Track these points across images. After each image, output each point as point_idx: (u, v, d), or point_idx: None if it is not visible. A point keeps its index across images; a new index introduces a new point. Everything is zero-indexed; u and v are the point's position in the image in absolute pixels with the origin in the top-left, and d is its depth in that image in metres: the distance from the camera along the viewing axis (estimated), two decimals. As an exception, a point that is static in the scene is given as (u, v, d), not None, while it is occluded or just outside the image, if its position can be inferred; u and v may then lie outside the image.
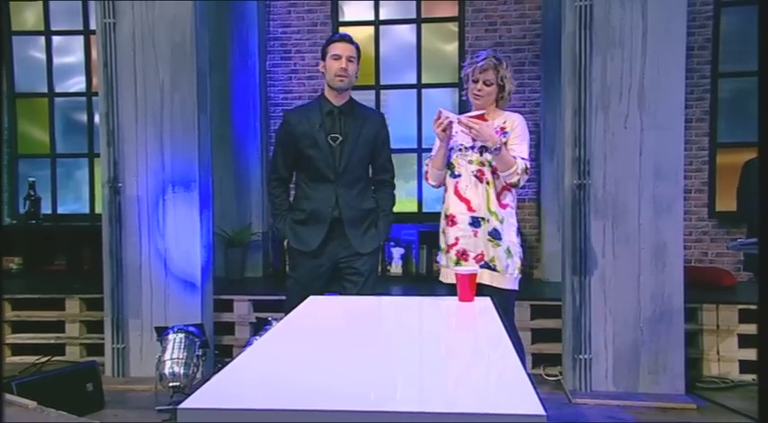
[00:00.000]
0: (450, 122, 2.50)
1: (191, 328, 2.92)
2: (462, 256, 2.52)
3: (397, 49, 5.37)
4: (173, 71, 3.59)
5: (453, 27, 5.27)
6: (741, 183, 3.75)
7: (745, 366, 3.61)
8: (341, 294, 2.77)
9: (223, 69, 5.00)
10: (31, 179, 5.22)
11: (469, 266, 2.43)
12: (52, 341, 4.07)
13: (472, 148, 2.54)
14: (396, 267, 5.10)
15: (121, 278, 3.62)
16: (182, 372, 2.76)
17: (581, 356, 3.32)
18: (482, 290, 2.33)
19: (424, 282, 4.80)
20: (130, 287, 3.62)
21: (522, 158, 2.49)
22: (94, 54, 4.25)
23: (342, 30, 5.10)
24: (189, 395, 1.06)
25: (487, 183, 2.51)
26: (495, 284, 2.47)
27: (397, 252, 5.09)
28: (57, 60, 5.52)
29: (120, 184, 3.60)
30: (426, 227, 4.87)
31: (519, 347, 2.55)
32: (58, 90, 5.52)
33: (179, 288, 3.61)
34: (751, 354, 3.55)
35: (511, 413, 0.98)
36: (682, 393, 3.24)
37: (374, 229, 2.80)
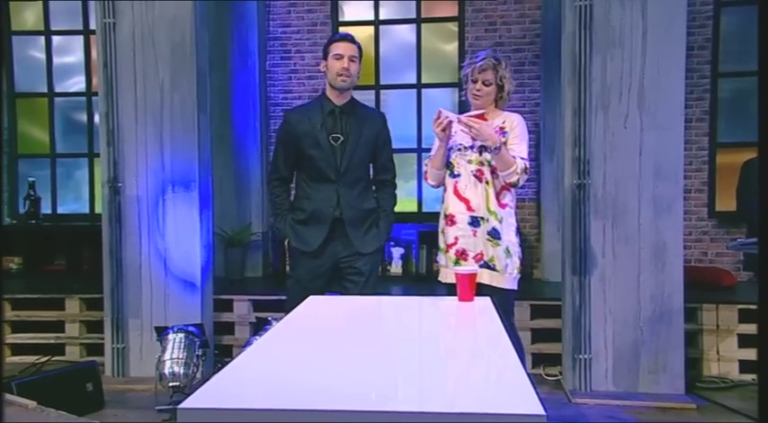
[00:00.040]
0: (450, 122, 2.50)
1: (191, 328, 2.92)
2: (462, 255, 2.52)
3: (397, 49, 5.37)
4: (172, 71, 3.59)
5: (453, 27, 5.27)
6: (741, 182, 3.75)
7: (744, 366, 3.60)
8: (342, 294, 2.77)
9: (223, 69, 5.00)
10: (30, 179, 5.22)
11: (469, 266, 2.43)
12: (52, 341, 4.07)
13: (471, 147, 2.54)
14: (396, 267, 5.10)
15: (121, 278, 3.62)
16: (181, 372, 2.76)
17: (581, 356, 3.32)
18: (481, 289, 2.33)
19: (423, 282, 4.80)
20: (130, 287, 3.62)
21: (522, 158, 2.49)
22: (94, 54, 4.25)
23: (342, 29, 5.10)
24: (189, 395, 1.06)
25: (487, 182, 2.52)
26: (494, 284, 2.47)
27: (396, 252, 5.10)
28: (56, 60, 5.52)
29: (119, 184, 3.60)
30: (426, 227, 4.87)
31: (519, 347, 2.55)
32: (57, 90, 5.52)
33: (179, 288, 3.61)
34: (751, 354, 3.55)
35: (511, 413, 0.98)
36: (681, 393, 3.24)
37: (375, 228, 2.79)
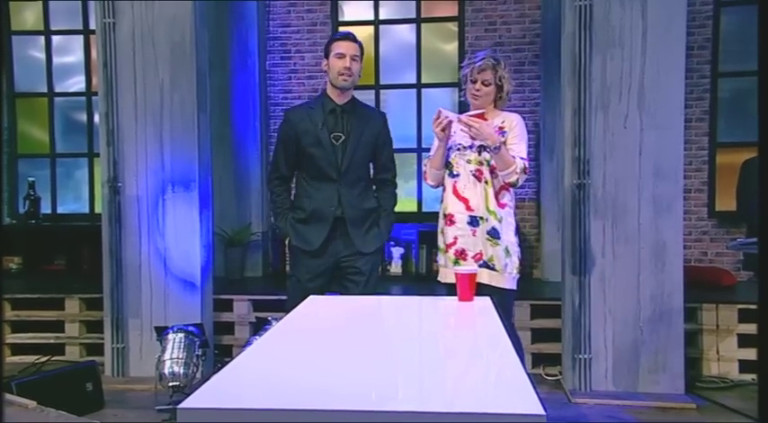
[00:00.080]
0: (450, 122, 2.50)
1: (190, 328, 2.91)
2: (461, 255, 2.52)
3: (397, 49, 5.37)
4: (172, 71, 3.59)
5: (453, 27, 5.27)
6: (740, 182, 3.75)
7: (744, 366, 3.60)
8: (342, 294, 2.77)
9: (223, 69, 5.00)
10: (30, 179, 5.22)
11: (468, 266, 2.43)
12: (52, 341, 4.07)
13: (470, 147, 2.54)
14: (395, 267, 5.10)
15: (121, 278, 3.62)
16: (181, 371, 2.76)
17: (581, 356, 3.32)
18: (481, 289, 2.33)
19: (423, 281, 4.80)
20: (130, 287, 3.62)
21: (521, 158, 2.49)
22: (94, 54, 4.25)
23: (341, 29, 5.10)
24: (189, 395, 1.06)
25: (486, 182, 2.52)
26: (493, 284, 2.48)
27: (396, 252, 5.10)
28: (56, 60, 5.52)
29: (119, 184, 3.60)
30: (426, 226, 4.87)
31: (518, 347, 2.55)
32: (57, 90, 5.52)
33: (179, 288, 3.61)
34: (751, 353, 3.55)
35: (510, 413, 0.98)
36: (681, 393, 3.24)
37: (376, 228, 2.79)
